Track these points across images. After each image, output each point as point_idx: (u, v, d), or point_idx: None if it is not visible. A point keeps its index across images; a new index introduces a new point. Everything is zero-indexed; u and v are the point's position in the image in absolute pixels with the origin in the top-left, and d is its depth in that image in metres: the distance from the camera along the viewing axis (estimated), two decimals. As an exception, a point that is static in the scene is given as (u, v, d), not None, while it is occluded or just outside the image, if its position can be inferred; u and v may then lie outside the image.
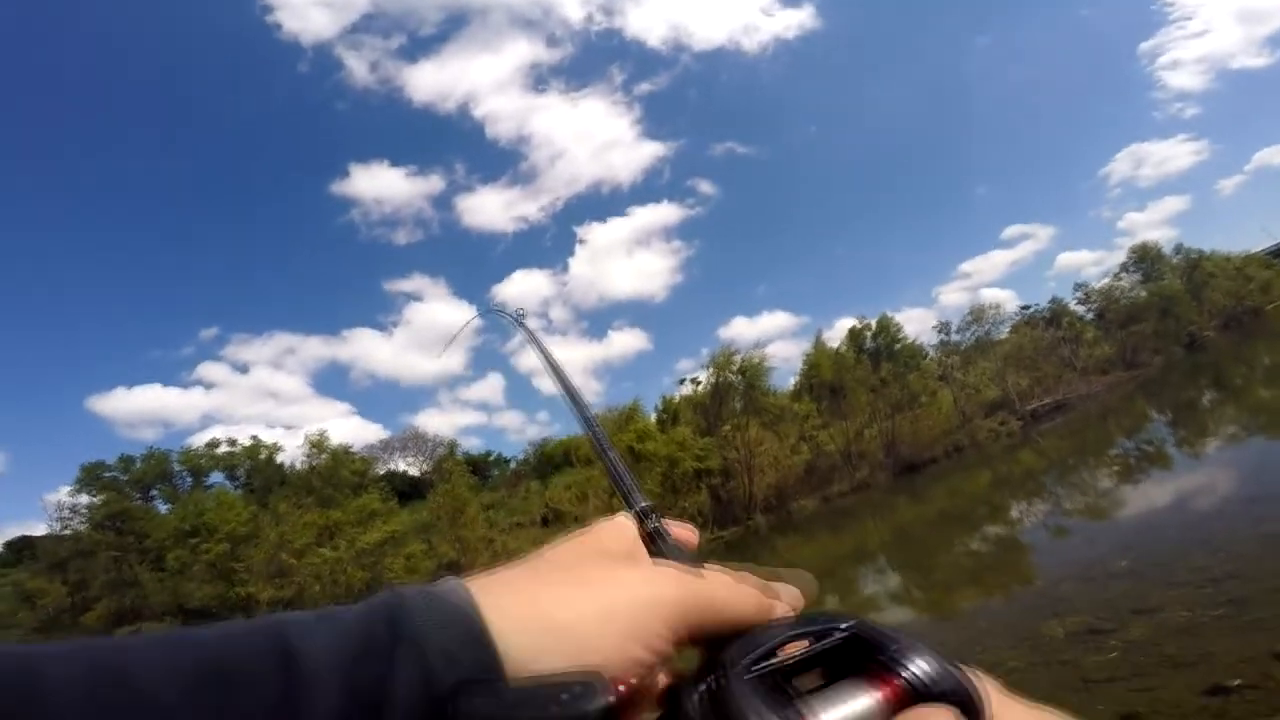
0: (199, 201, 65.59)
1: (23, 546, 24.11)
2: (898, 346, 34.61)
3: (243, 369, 50.92)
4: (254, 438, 28.36)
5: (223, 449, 27.45)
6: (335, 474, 26.26)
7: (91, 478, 22.99)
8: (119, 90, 67.47)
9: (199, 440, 28.63)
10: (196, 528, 21.63)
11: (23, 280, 55.62)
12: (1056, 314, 33.97)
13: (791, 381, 31.95)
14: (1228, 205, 62.26)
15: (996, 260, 63.51)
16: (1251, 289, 31.82)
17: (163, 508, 23.96)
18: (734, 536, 24.99)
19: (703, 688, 0.27)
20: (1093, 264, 70.37)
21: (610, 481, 0.51)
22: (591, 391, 51.54)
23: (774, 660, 0.27)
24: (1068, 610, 7.32)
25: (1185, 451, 14.53)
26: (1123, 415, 23.25)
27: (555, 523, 27.12)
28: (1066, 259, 61.69)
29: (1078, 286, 36.45)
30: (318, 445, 27.08)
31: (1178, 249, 34.69)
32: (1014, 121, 78.49)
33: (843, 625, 0.27)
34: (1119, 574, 9.05)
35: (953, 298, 59.12)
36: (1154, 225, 57.43)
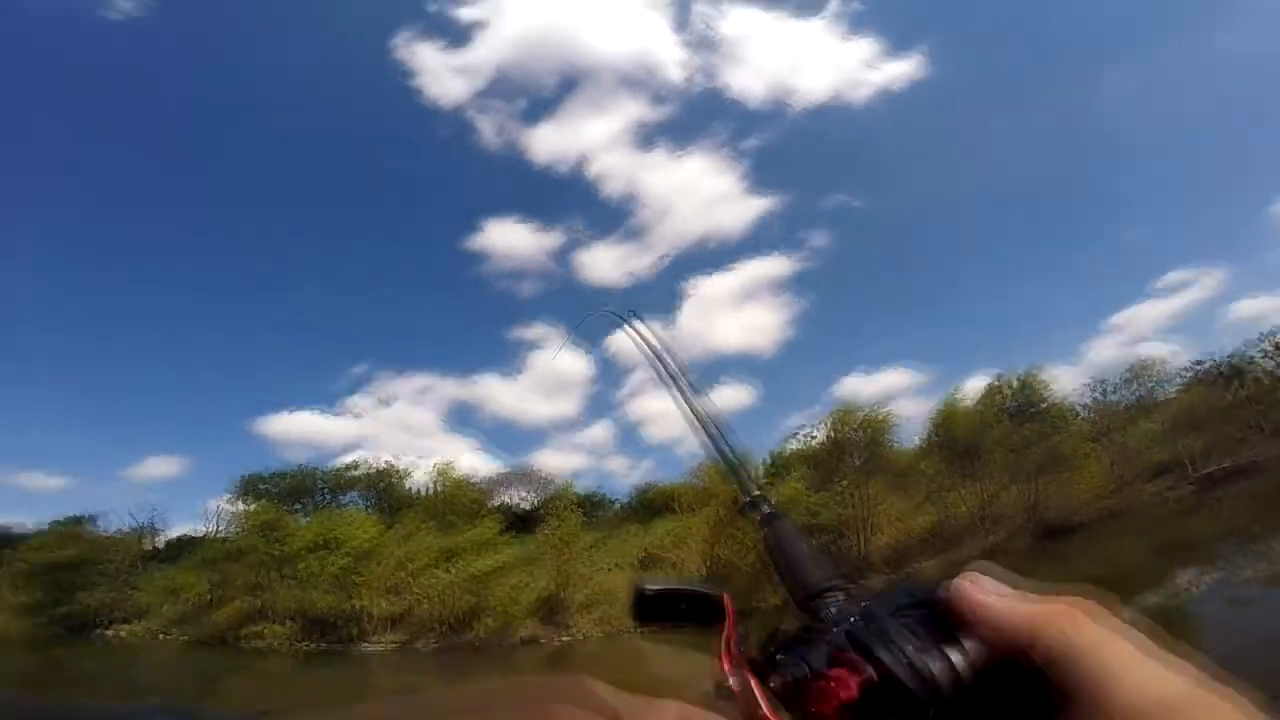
0: (355, 253, 75.03)
1: (181, 545, 27.28)
2: (1044, 405, 31.39)
3: (386, 403, 55.80)
4: (387, 462, 30.62)
5: (360, 470, 29.95)
6: (456, 501, 27.67)
7: (249, 488, 26.01)
8: (294, 150, 79.64)
9: (342, 462, 31.37)
10: (327, 541, 23.50)
11: (207, 316, 65.75)
12: (1237, 369, 29.10)
13: (915, 439, 29.84)
14: None
15: (1155, 311, 55.40)
16: None
17: (304, 520, 26.38)
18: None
19: (847, 625, 0.31)
20: (1277, 310, 59.07)
21: (721, 470, 0.56)
22: (695, 443, 50.09)
23: (910, 612, 0.31)
24: (1246, 682, 6.17)
25: None
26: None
27: (652, 567, 26.75)
28: (1244, 307, 52.35)
29: (1263, 336, 31.12)
30: (443, 473, 28.83)
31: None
32: (1162, 160, 69.59)
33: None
34: (1314, 646, 7.52)
35: (1104, 353, 52.12)
36: (1351, 265, 47.71)
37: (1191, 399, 27.99)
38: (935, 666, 0.28)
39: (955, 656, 0.29)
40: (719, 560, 23.84)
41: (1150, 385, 28.66)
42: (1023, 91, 78.62)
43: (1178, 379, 29.62)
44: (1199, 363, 30.67)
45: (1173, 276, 58.79)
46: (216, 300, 66.45)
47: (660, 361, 0.64)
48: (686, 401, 0.58)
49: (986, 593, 0.29)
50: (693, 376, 0.60)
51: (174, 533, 28.88)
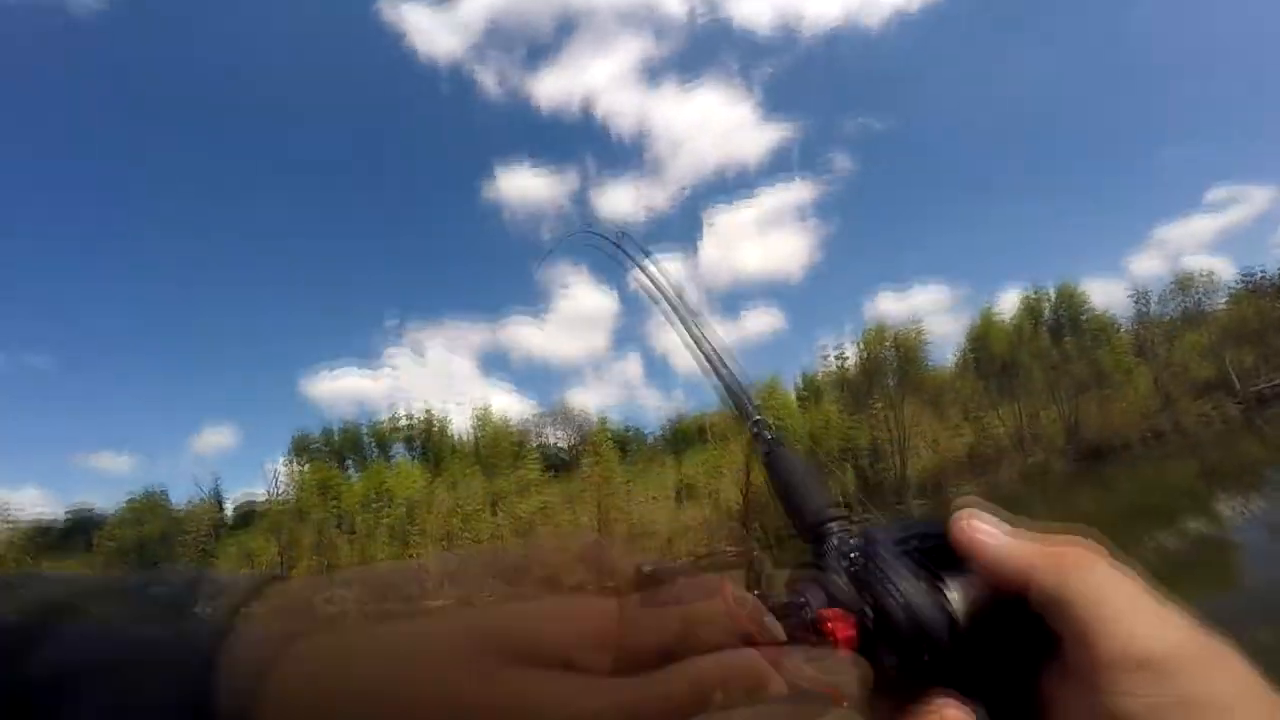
0: (379, 211, 76.02)
1: (248, 511, 28.72)
2: (1084, 318, 30.44)
3: (420, 353, 56.99)
4: (428, 412, 31.46)
5: (402, 423, 30.92)
6: (497, 445, 28.43)
7: (300, 449, 27.21)
8: (308, 119, 79.56)
9: (385, 415, 32.39)
10: (379, 494, 24.58)
11: (246, 276, 67.53)
12: (1290, 279, 27.59)
13: (949, 358, 29.37)
14: None
15: (1200, 226, 52.67)
16: None
17: (355, 476, 27.58)
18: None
19: (845, 563, 0.32)
20: None
21: (726, 393, 0.52)
22: (698, 371, 51.51)
23: (909, 545, 0.31)
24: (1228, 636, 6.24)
25: None
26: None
27: (689, 498, 27.40)
28: None
29: None
30: (482, 418, 29.57)
31: None
32: (1202, 79, 65.29)
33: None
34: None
35: (1147, 265, 50.02)
36: None
37: (1242, 310, 26.80)
38: (930, 608, 0.28)
39: (953, 595, 0.29)
40: (755, 487, 24.26)
41: (1197, 297, 27.49)
42: (1043, 16, 73.00)
43: (1225, 291, 28.29)
44: (1249, 273, 29.22)
45: (1221, 192, 55.46)
46: (251, 270, 68.27)
47: (655, 284, 0.64)
48: (683, 323, 0.58)
49: (985, 531, 0.29)
50: (690, 299, 0.61)
51: (237, 498, 30.47)
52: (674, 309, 0.61)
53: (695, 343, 0.56)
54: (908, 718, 0.28)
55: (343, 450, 28.55)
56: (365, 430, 30.15)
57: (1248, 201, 53.17)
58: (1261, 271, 29.04)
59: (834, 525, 0.37)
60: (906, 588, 0.29)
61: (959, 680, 0.28)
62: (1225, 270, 35.19)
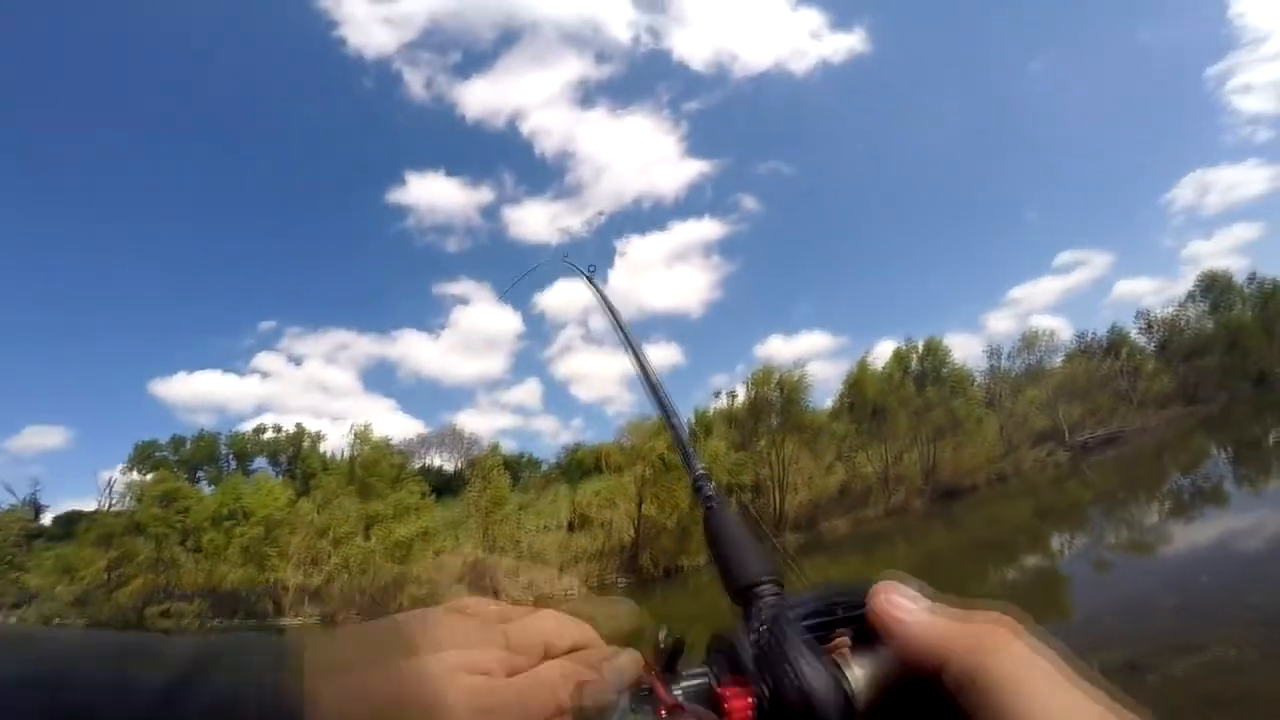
0: (266, 202, 70.09)
1: (71, 521, 25.16)
2: (945, 370, 33.52)
3: (297, 361, 52.64)
4: (298, 425, 29.18)
5: (268, 435, 28.37)
6: (376, 466, 26.78)
7: (143, 456, 24.10)
8: (200, 94, 72.53)
9: (249, 426, 29.63)
10: (233, 511, 22.31)
11: (97, 266, 59.80)
12: (1115, 343, 32.46)
13: (828, 401, 31.35)
14: (1306, 233, 58.16)
15: (1048, 287, 60.65)
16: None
17: (208, 489, 24.88)
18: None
19: (754, 636, 0.32)
20: (1153, 292, 66.23)
21: (675, 446, 0.54)
22: (624, 402, 51.54)
23: (817, 619, 0.31)
24: (1105, 645, 6.88)
25: (1246, 490, 13.61)
26: (1179, 451, 22.03)
27: (581, 528, 27.09)
28: (1125, 287, 58.48)
29: (1139, 314, 34.88)
30: (361, 437, 27.73)
31: (1251, 278, 32.62)
32: (1066, 147, 76.41)
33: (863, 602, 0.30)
34: (1164, 610, 8.50)
35: (1001, 324, 56.66)
36: (1222, 254, 53.62)
37: (1073, 369, 30.93)
38: (825, 690, 0.28)
39: (856, 674, 0.29)
40: (647, 519, 24.34)
41: (1039, 355, 31.36)
42: (952, 75, 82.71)
43: (1063, 350, 32.63)
44: (1082, 335, 34.04)
45: (1067, 256, 64.12)
46: (102, 252, 60.48)
47: (618, 321, 0.65)
48: (644, 369, 0.59)
49: (901, 607, 0.29)
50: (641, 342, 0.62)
51: (60, 508, 26.74)
52: (636, 354, 0.62)
53: (653, 384, 0.58)
54: None
55: (195, 460, 25.59)
56: (224, 440, 27.31)
57: (1089, 265, 61.96)
58: (1093, 332, 33.83)
59: (764, 589, 0.36)
60: (804, 667, 0.28)
61: None
62: (1065, 330, 40.81)
